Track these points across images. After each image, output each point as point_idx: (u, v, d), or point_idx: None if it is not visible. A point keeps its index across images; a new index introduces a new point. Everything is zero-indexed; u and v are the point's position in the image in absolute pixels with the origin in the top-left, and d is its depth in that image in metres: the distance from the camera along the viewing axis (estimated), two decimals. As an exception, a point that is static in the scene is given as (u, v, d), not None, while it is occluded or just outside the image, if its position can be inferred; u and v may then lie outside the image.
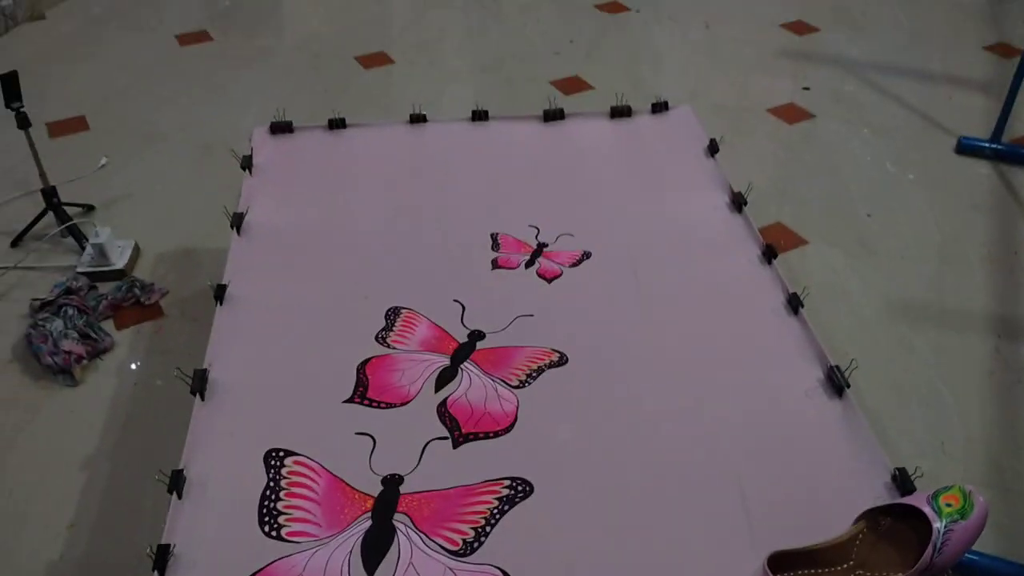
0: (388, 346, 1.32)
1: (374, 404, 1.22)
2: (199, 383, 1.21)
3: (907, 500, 1.03)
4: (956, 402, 1.76)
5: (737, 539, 1.05)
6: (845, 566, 1.01)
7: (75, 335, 1.77)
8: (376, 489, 1.10)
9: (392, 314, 1.39)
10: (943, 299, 2.01)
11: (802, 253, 2.14)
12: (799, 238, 2.18)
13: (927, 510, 1.00)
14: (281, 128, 1.81)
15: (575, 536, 1.05)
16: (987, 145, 2.50)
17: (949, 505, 1.00)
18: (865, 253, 2.14)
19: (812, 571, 1.01)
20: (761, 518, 1.08)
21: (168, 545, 1.02)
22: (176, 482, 1.08)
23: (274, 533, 1.05)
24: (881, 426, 1.66)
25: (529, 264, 1.50)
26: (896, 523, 1.04)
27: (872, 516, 1.04)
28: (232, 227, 1.53)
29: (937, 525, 0.98)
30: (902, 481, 1.09)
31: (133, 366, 1.81)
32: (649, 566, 1.02)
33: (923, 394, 1.78)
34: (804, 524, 1.06)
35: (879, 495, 1.10)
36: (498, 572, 1.01)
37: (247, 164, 1.70)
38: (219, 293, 1.38)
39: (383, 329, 1.35)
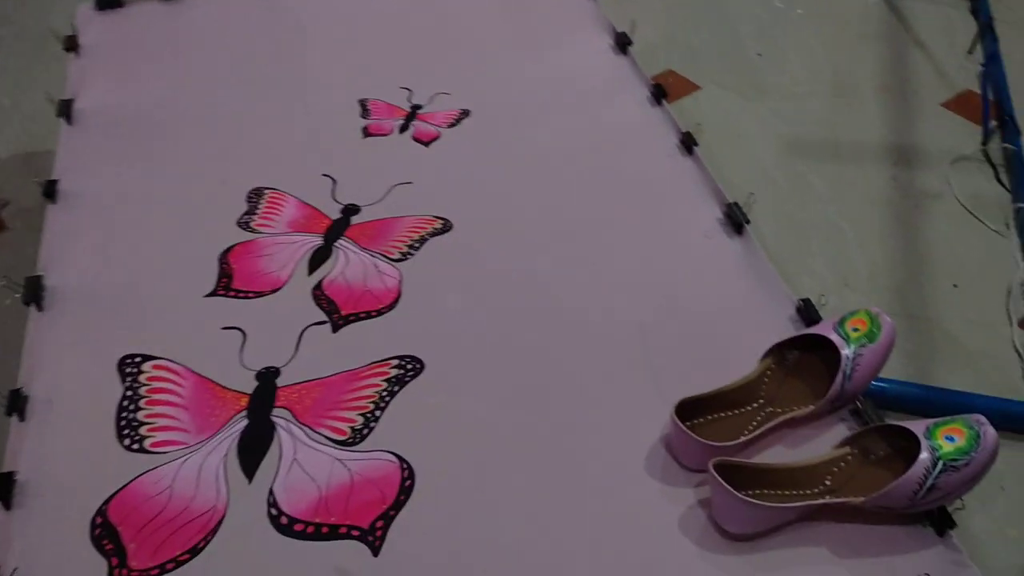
0: (252, 231, 1.19)
1: (241, 295, 1.10)
2: (32, 292, 1.07)
3: (813, 330, 0.98)
4: (856, 235, 1.74)
5: (643, 391, 0.99)
6: (755, 405, 0.97)
7: (-99, 260, 1.56)
8: (250, 386, 0.99)
9: (254, 196, 1.24)
10: (837, 132, 1.97)
11: (695, 99, 2.05)
12: (691, 84, 2.10)
13: (834, 337, 0.95)
14: (109, 3, 1.59)
15: (472, 409, 0.98)
16: (873, -27, 2.43)
17: (856, 330, 0.95)
18: (758, 94, 2.07)
19: (722, 414, 0.96)
20: (666, 367, 1.02)
21: (11, 473, 0.89)
22: (15, 403, 0.95)
23: (136, 446, 0.93)
24: (783, 266, 1.62)
25: (403, 129, 1.36)
26: (804, 355, 0.99)
27: (779, 351, 0.99)
28: (60, 116, 1.34)
29: (845, 351, 0.94)
30: (807, 312, 1.04)
31: (-24, 288, 1.62)
32: (552, 430, 0.96)
33: (823, 230, 1.75)
34: (711, 368, 1.00)
35: (784, 329, 1.05)
36: (392, 458, 0.93)
37: (71, 45, 1.49)
38: (49, 190, 1.21)
39: (245, 213, 1.22)
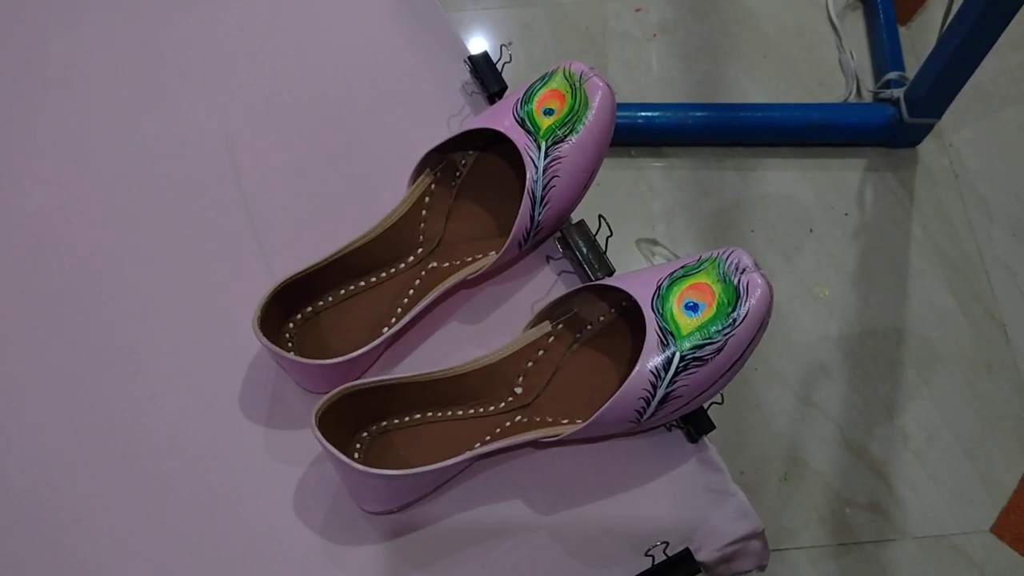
0: None
1: None
2: None
3: (481, 120, 0.60)
4: None
5: (239, 259, 0.63)
6: (411, 259, 0.62)
7: None
8: None
9: None
10: None
11: None
12: None
13: (513, 132, 0.58)
14: None
15: None
16: None
17: (550, 112, 0.59)
18: None
19: (360, 283, 0.61)
20: (273, 212, 0.64)
21: None
22: None
23: None
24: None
25: None
26: (482, 161, 0.63)
27: (442, 163, 0.62)
28: None
29: (531, 156, 0.57)
30: (483, 76, 0.66)
31: None
32: (94, 365, 0.59)
33: None
34: (342, 199, 0.64)
35: (455, 110, 0.67)
36: None
37: None
38: None
39: None
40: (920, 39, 1.18)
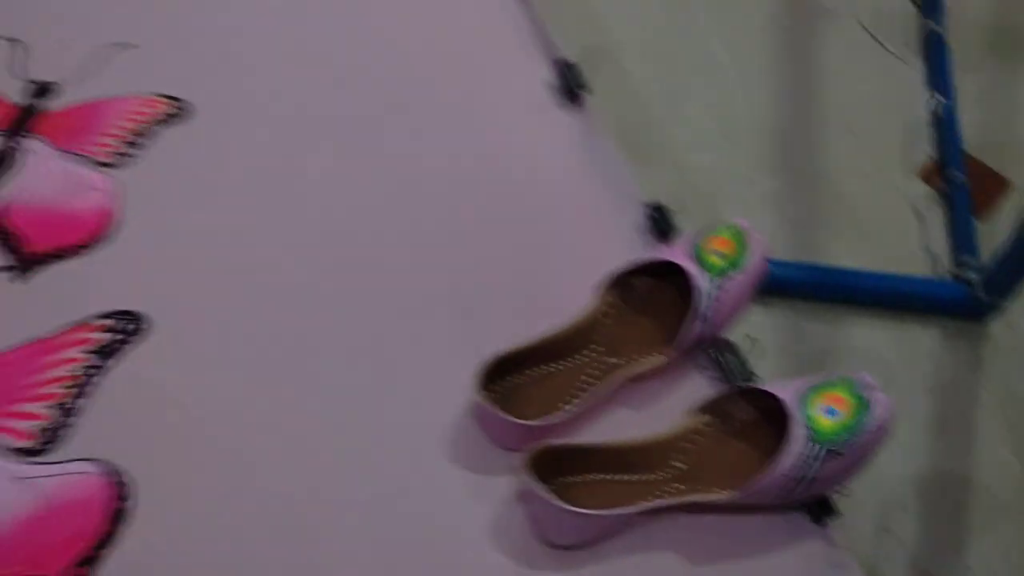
0: None
1: None
2: None
3: (663, 255, 0.78)
4: (739, 71, 1.52)
5: (448, 340, 0.80)
6: (590, 353, 0.78)
7: None
8: None
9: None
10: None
11: None
12: None
13: (689, 266, 0.76)
14: None
15: (211, 386, 0.76)
16: None
17: (718, 253, 0.76)
18: None
19: (548, 367, 0.78)
20: (476, 304, 0.82)
21: None
22: None
23: None
24: (653, 115, 1.40)
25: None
26: (653, 285, 0.80)
27: (622, 283, 0.80)
28: None
29: (703, 285, 0.75)
30: (659, 223, 0.84)
31: None
32: (323, 407, 0.76)
33: (701, 67, 1.52)
34: (536, 302, 0.81)
35: (629, 247, 0.85)
36: (93, 469, 0.71)
37: None
38: None
39: None
40: (994, 231, 1.36)
